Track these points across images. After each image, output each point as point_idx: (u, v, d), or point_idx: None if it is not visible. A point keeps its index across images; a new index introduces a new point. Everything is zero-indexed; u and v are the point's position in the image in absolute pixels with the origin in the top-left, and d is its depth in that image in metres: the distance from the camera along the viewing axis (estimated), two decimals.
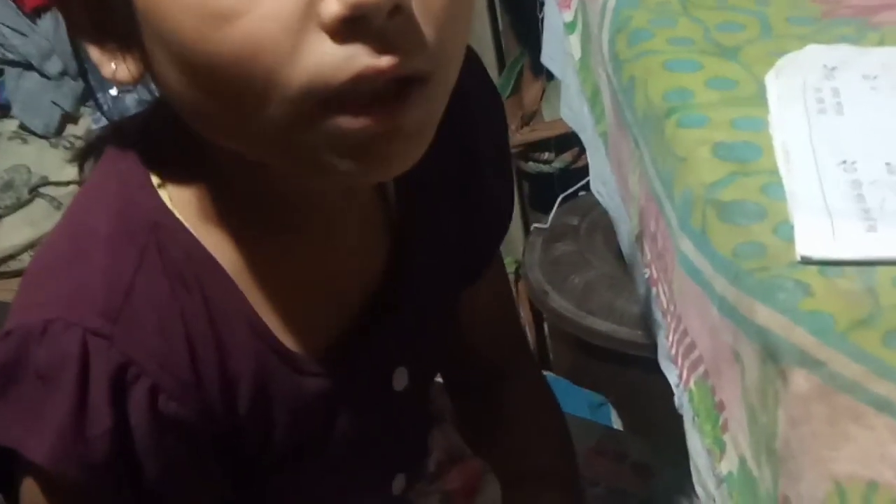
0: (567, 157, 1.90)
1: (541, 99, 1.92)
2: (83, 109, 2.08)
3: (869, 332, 0.48)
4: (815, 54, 0.68)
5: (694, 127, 0.64)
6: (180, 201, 0.64)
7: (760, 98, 0.65)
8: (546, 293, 1.71)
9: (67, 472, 0.59)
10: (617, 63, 0.75)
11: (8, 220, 2.01)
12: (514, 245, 1.97)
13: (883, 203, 0.55)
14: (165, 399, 0.61)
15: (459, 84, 0.60)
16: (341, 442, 0.73)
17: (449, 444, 0.93)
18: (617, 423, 1.61)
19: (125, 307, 0.60)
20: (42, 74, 2.06)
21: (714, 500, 0.58)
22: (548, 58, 1.05)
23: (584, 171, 0.95)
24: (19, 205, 2.01)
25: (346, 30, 0.50)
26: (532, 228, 1.87)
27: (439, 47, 0.54)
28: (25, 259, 1.95)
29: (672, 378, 0.65)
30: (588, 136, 0.90)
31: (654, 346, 0.70)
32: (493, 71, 1.99)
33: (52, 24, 1.99)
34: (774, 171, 0.59)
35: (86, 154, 0.69)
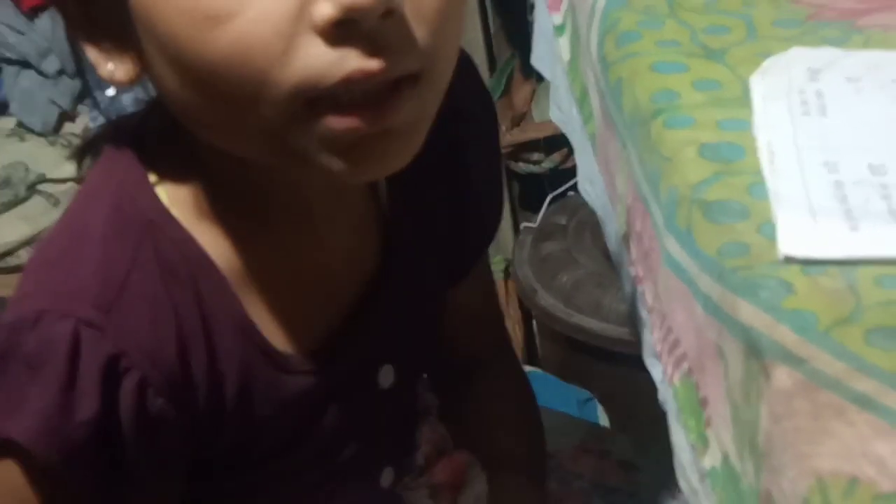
0: (556, 157, 1.91)
1: (531, 100, 1.93)
2: (80, 107, 2.07)
3: (851, 329, 0.49)
4: (799, 56, 0.69)
5: (680, 128, 0.65)
6: (176, 199, 0.64)
7: (745, 99, 0.66)
8: (535, 291, 1.72)
9: (48, 454, 0.59)
10: (605, 64, 0.76)
11: (5, 216, 2.00)
12: (504, 244, 1.98)
13: (865, 203, 0.55)
14: (153, 394, 0.61)
15: (450, 85, 0.60)
16: (327, 438, 0.73)
17: (436, 438, 0.93)
18: (604, 419, 1.62)
19: (118, 300, 0.60)
20: (40, 72, 2.06)
21: (697, 495, 0.59)
22: (537, 60, 1.06)
23: (573, 171, 0.95)
24: (17, 202, 2.00)
25: (337, 32, 0.51)
26: (521, 227, 1.88)
27: (431, 49, 0.54)
28: (23, 255, 1.94)
29: (656, 374, 0.66)
30: (577, 137, 0.90)
31: (639, 344, 0.70)
32: (483, 73, 1.99)
33: (49, 23, 1.99)
34: (759, 172, 0.59)
35: (84, 152, 0.69)
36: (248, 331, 0.66)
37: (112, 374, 0.59)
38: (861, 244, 0.53)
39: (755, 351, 0.50)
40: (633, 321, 0.74)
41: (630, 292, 0.73)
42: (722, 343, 0.54)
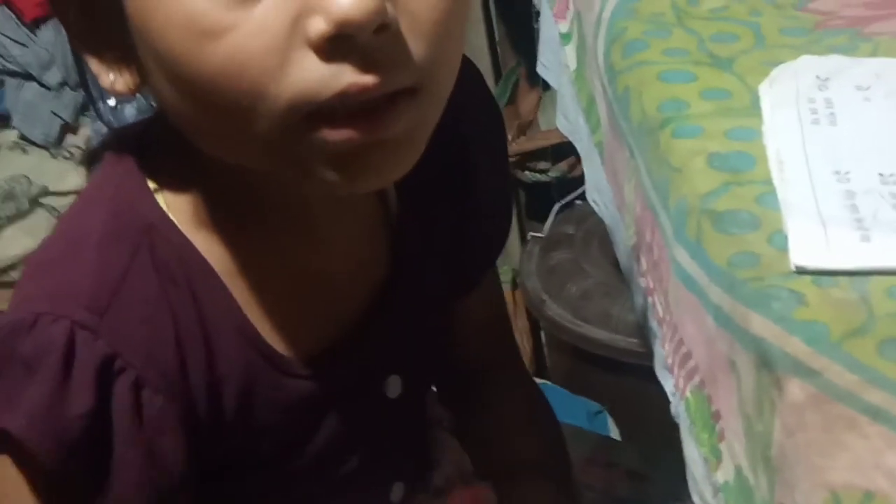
0: (563, 166, 1.90)
1: (537, 108, 1.92)
2: (83, 119, 2.07)
3: (863, 341, 0.48)
4: (808, 65, 0.68)
5: (688, 137, 0.64)
6: (175, 205, 0.65)
7: (754, 108, 0.65)
8: (543, 301, 1.72)
9: (41, 447, 0.60)
10: (612, 73, 0.76)
11: (8, 230, 2.00)
12: (511, 254, 1.97)
13: (876, 213, 0.55)
14: (150, 393, 0.61)
15: (456, 95, 0.60)
16: (329, 445, 0.73)
17: (461, 461, 0.93)
18: (614, 432, 1.62)
19: (113, 303, 0.61)
20: (42, 85, 2.06)
21: None
22: (543, 68, 1.05)
23: (581, 180, 0.95)
24: (19, 215, 2.00)
25: (331, 47, 0.51)
26: (529, 237, 1.87)
27: (428, 62, 0.54)
28: None
29: (668, 387, 0.65)
30: (584, 146, 0.90)
31: (650, 355, 0.70)
32: (488, 81, 1.98)
33: (52, 35, 1.99)
34: (768, 181, 0.59)
35: (91, 161, 0.70)
36: (248, 333, 0.66)
37: (107, 373, 0.60)
38: (872, 255, 0.53)
39: (767, 363, 0.50)
40: (643, 333, 0.73)
41: (640, 303, 0.72)
42: (734, 355, 0.53)
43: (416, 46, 0.53)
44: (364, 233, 0.72)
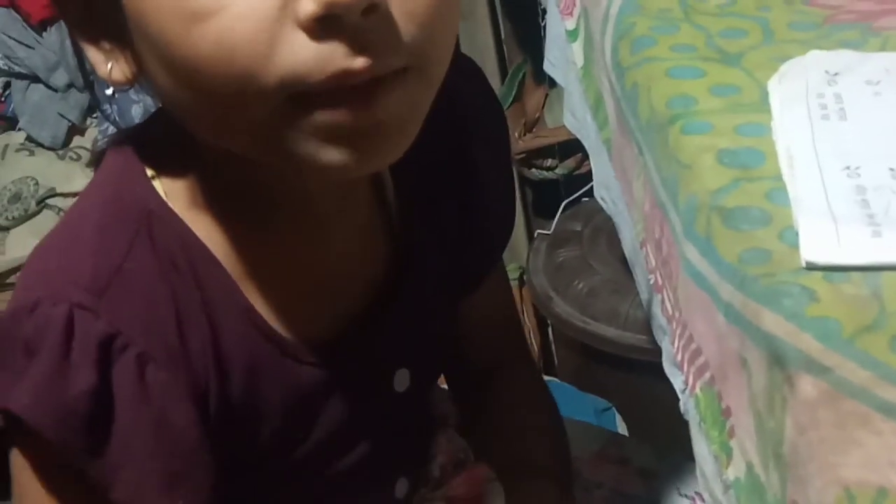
0: (570, 163, 1.90)
1: (543, 106, 1.92)
2: (90, 121, 2.08)
3: (875, 337, 0.48)
4: (817, 60, 0.68)
5: (697, 133, 0.64)
6: (173, 192, 0.65)
7: (763, 104, 0.65)
8: (550, 299, 1.71)
9: (45, 425, 0.60)
10: (620, 70, 0.75)
11: (15, 231, 2.01)
12: (519, 251, 1.97)
13: (887, 208, 0.55)
14: (154, 369, 0.62)
15: (455, 89, 0.60)
16: (334, 436, 0.73)
17: (454, 449, 0.93)
18: (622, 429, 1.61)
19: (113, 283, 0.61)
20: (48, 87, 2.06)
21: None
22: (550, 65, 1.05)
23: (588, 177, 0.95)
24: (27, 216, 2.01)
25: (321, 28, 0.51)
26: (536, 234, 1.87)
27: (420, 45, 0.55)
28: None
29: (677, 384, 0.65)
30: (591, 143, 0.90)
31: (658, 352, 0.70)
32: (495, 78, 1.99)
33: (58, 37, 2.00)
34: (778, 177, 0.59)
35: (100, 161, 0.71)
36: (252, 317, 0.66)
37: (108, 351, 0.60)
38: (884, 250, 0.52)
39: (779, 360, 0.50)
40: (651, 329, 0.73)
41: (648, 300, 0.72)
42: (744, 352, 0.53)
43: (407, 28, 0.54)
44: (364, 226, 0.73)
